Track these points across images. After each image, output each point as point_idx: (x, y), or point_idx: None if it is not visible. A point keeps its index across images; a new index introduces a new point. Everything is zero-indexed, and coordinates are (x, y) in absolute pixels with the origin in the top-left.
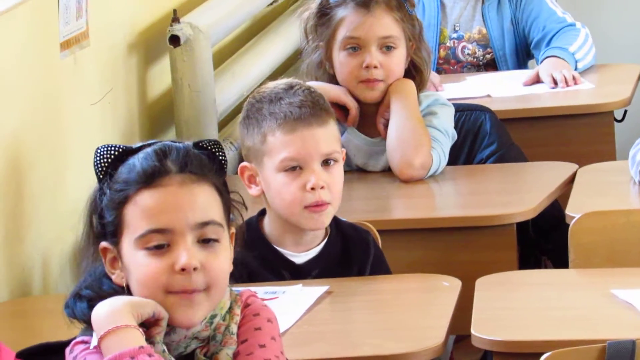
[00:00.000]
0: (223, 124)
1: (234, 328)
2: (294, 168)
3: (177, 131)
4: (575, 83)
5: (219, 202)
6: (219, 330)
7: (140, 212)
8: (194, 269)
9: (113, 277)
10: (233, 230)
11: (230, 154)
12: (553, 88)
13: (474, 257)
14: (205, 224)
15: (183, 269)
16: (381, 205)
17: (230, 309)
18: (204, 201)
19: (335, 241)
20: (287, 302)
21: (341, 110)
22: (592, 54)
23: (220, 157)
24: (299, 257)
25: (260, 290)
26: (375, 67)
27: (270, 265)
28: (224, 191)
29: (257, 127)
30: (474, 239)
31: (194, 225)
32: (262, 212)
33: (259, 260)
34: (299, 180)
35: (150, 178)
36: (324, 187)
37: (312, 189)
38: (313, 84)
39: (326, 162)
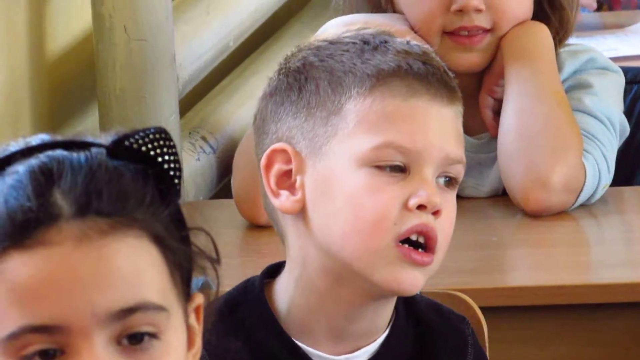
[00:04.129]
0: (189, 102)
1: None
2: (393, 168)
3: (102, 114)
4: None
5: (159, 263)
6: None
7: (7, 293)
8: None
9: None
10: (199, 301)
11: (199, 161)
12: None
13: None
14: (129, 310)
15: None
16: (489, 261)
17: None
18: (127, 268)
19: (404, 335)
20: None
21: None
22: None
23: (168, 168)
24: None
25: None
26: (478, 9)
27: None
28: (170, 238)
29: (327, 81)
30: None
31: (108, 315)
32: (272, 271)
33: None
34: (398, 188)
35: (22, 230)
36: (439, 213)
37: (420, 207)
38: (351, 17)
39: (445, 178)
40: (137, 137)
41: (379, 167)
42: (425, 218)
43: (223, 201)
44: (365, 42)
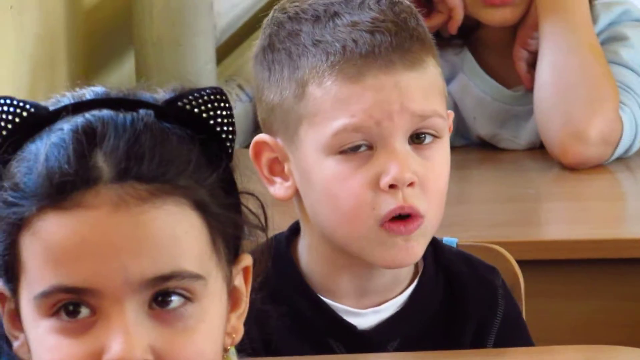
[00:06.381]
0: (226, 50)
1: None
2: (357, 148)
3: (138, 61)
4: None
5: (199, 230)
6: None
7: (42, 251)
8: None
9: (15, 344)
10: (247, 262)
11: (235, 110)
12: None
13: None
14: (163, 278)
15: None
16: (526, 214)
17: None
18: (163, 235)
19: (433, 287)
20: None
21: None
22: None
23: (221, 130)
24: (364, 317)
25: None
26: None
27: (307, 328)
28: (215, 205)
29: (287, 67)
30: None
31: (141, 282)
32: (296, 229)
33: (287, 317)
34: (366, 170)
35: (59, 191)
36: (414, 184)
37: (392, 186)
38: None
39: (417, 137)
40: (191, 97)
41: (344, 152)
42: (400, 197)
43: None
44: (317, 18)
